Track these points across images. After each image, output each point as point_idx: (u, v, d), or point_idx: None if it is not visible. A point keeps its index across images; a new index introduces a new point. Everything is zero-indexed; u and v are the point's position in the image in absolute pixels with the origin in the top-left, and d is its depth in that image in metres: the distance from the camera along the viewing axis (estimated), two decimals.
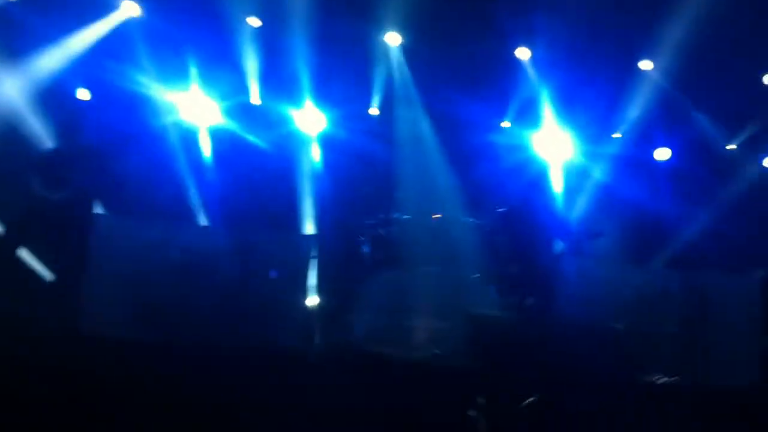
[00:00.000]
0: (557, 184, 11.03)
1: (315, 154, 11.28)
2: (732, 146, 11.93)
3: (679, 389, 8.02)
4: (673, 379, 8.15)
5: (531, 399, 7.37)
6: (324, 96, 11.43)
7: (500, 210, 9.25)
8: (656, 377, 8.10)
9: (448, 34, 11.51)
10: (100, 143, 8.25)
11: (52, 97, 10.05)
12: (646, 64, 11.84)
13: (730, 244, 10.63)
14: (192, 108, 10.91)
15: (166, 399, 6.83)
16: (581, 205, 10.98)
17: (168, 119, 10.72)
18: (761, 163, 11.84)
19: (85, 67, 10.45)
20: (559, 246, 9.11)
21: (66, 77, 10.38)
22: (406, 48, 11.70)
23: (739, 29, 10.93)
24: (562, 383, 7.55)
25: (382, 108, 11.78)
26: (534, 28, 11.39)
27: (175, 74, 10.87)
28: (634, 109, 11.78)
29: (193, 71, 10.92)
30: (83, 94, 10.68)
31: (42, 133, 9.51)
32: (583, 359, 8.00)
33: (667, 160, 11.99)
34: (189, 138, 10.83)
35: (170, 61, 10.80)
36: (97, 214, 8.20)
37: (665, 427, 7.31)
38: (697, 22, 10.58)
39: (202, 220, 10.15)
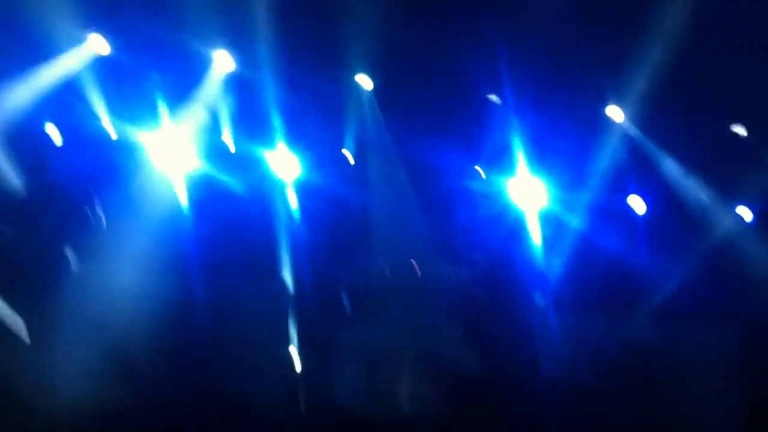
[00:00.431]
0: (534, 234, 10.99)
1: (291, 199, 11.13)
2: (706, 197, 12.02)
3: None
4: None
5: None
6: (297, 138, 11.32)
7: (478, 260, 9.19)
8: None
9: (419, 78, 11.52)
10: (71, 186, 8.00)
11: (20, 135, 9.79)
12: (614, 111, 11.92)
13: (707, 297, 10.65)
14: (163, 150, 10.69)
15: None
16: (558, 255, 10.94)
17: (139, 162, 10.49)
18: (737, 215, 11.94)
19: (53, 104, 10.23)
20: (537, 298, 9.07)
21: (32, 115, 10.13)
22: (377, 91, 11.66)
23: (709, 76, 11.09)
24: None
25: (355, 152, 11.70)
26: (504, 72, 11.46)
27: (144, 114, 10.67)
28: (607, 158, 11.83)
29: (164, 112, 10.74)
30: (51, 132, 10.41)
31: (10, 173, 9.23)
32: (563, 413, 7.93)
33: (642, 210, 12.04)
34: (162, 181, 10.59)
35: (138, 100, 10.61)
36: (69, 261, 7.92)
37: None
38: (666, 69, 10.70)
39: (177, 269, 9.91)
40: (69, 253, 7.99)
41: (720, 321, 9.91)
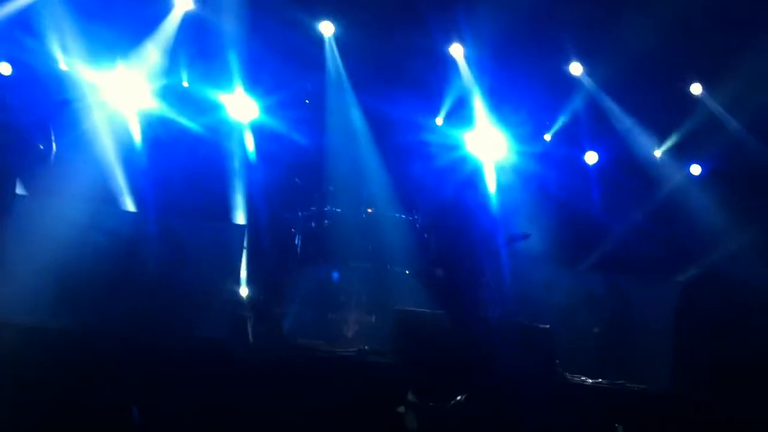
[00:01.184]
0: (490, 184, 11.10)
1: (248, 142, 11.09)
2: (658, 152, 12.23)
3: (599, 390, 8.15)
4: (598, 381, 8.28)
5: (459, 397, 7.39)
6: (255, 83, 11.24)
7: (432, 207, 9.27)
8: (582, 378, 8.21)
9: (382, 27, 11.47)
10: (22, 121, 7.89)
11: None
12: (575, 67, 12.03)
13: (653, 249, 10.88)
14: (118, 89, 10.58)
15: (80, 389, 6.61)
16: (512, 205, 11.07)
17: (93, 99, 10.37)
18: (687, 170, 12.16)
19: (6, 41, 10.04)
20: (488, 245, 9.16)
21: None
22: (338, 38, 11.60)
23: (668, 37, 11.19)
24: (490, 381, 7.59)
25: (314, 98, 11.67)
26: (466, 25, 11.46)
27: (100, 53, 10.52)
28: (564, 111, 11.95)
29: (119, 50, 10.60)
30: (4, 68, 10.24)
31: None
32: (510, 358, 8.05)
33: (596, 163, 12.21)
34: (117, 119, 10.50)
35: (96, 39, 10.45)
36: (19, 194, 7.85)
37: (588, 426, 7.43)
38: (628, 28, 10.78)
39: (129, 205, 9.87)
40: (19, 184, 7.87)
41: (663, 273, 10.14)
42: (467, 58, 11.81)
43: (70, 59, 10.41)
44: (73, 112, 9.95)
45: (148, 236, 8.30)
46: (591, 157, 12.28)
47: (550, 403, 7.42)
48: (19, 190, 7.93)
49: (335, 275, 9.34)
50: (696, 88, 12.13)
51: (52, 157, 7.70)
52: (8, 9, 10.02)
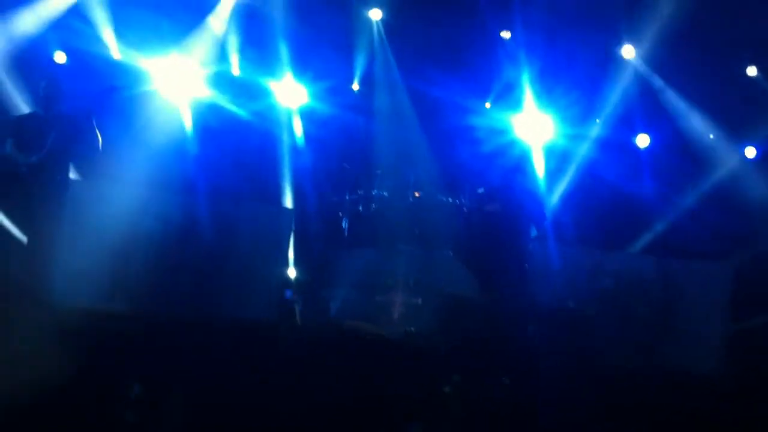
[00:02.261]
0: (538, 168, 11.04)
1: (296, 127, 11.19)
2: (712, 135, 12.02)
3: (648, 373, 8.09)
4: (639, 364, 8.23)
5: (504, 379, 7.40)
6: (304, 69, 11.34)
7: (479, 191, 9.24)
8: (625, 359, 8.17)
9: (430, 12, 11.46)
10: (76, 108, 8.08)
11: (29, 60, 9.88)
12: (628, 50, 11.89)
13: (705, 232, 10.71)
14: (171, 77, 10.76)
15: (138, 371, 6.76)
16: (561, 189, 11.00)
17: (147, 87, 10.57)
18: (742, 153, 11.94)
19: (62, 31, 10.27)
20: (536, 229, 9.13)
21: (42, 40, 10.19)
22: (387, 24, 11.63)
23: (724, 19, 10.99)
24: (534, 365, 7.59)
25: (362, 83, 11.73)
26: (516, 8, 11.39)
27: (153, 41, 10.70)
28: (615, 94, 11.81)
29: (172, 38, 10.77)
30: (60, 57, 10.50)
31: (18, 97, 9.36)
32: (555, 342, 8.04)
33: (647, 147, 12.05)
34: (168, 107, 10.68)
35: (149, 28, 10.62)
36: (72, 179, 8.04)
37: (633, 410, 7.38)
38: (682, 10, 10.61)
39: (180, 190, 10.06)
40: (72, 169, 8.06)
41: (715, 257, 9.97)
42: (516, 40, 11.74)
43: (123, 47, 10.61)
44: (125, 100, 10.17)
45: (198, 221, 8.43)
46: (642, 140, 12.11)
47: (590, 388, 7.40)
48: (73, 175, 8.12)
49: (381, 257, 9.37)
50: (751, 70, 11.90)
51: (100, 144, 7.83)
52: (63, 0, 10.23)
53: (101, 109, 8.02)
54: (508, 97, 11.84)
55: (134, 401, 6.37)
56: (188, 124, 10.71)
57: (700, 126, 11.87)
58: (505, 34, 11.87)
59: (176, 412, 6.55)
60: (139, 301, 7.47)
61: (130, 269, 7.89)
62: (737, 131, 11.89)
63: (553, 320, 8.34)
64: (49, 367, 5.88)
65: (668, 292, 9.33)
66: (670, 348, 8.96)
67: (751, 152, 12.05)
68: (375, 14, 11.60)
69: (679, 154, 11.80)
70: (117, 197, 8.37)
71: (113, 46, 10.57)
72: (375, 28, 11.65)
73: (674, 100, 11.95)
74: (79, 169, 8.48)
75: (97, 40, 10.49)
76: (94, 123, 7.72)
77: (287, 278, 8.87)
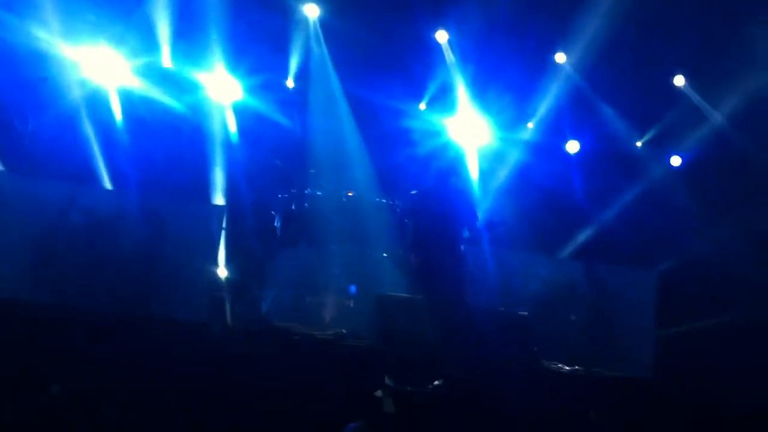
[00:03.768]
0: (472, 170, 11.10)
1: (229, 122, 11.00)
2: (639, 143, 12.27)
3: (579, 377, 8.20)
4: (575, 368, 8.32)
5: (437, 382, 7.40)
6: (238, 63, 11.15)
7: (413, 192, 9.24)
8: (559, 366, 8.25)
9: (365, 12, 11.42)
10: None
11: None
12: (560, 57, 12.05)
13: (632, 239, 10.93)
14: (99, 66, 10.45)
15: (58, 365, 6.56)
16: (493, 191, 11.09)
17: (73, 77, 10.25)
18: (668, 162, 12.22)
19: None
20: (468, 231, 9.16)
21: None
22: (323, 21, 11.53)
23: (652, 29, 11.22)
24: (468, 367, 7.60)
25: (297, 80, 11.60)
26: (451, 11, 11.44)
27: (80, 29, 10.39)
28: (547, 100, 11.96)
29: (101, 28, 10.47)
30: None
31: None
32: (489, 344, 8.07)
33: (577, 152, 12.23)
34: (97, 98, 10.38)
35: (75, 15, 10.31)
36: None
37: (563, 413, 7.47)
38: (611, 19, 10.80)
39: (108, 184, 9.77)
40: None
41: (641, 263, 10.18)
42: (451, 43, 11.78)
43: (50, 36, 10.26)
44: (52, 90, 9.85)
45: (126, 215, 8.22)
46: (573, 146, 12.29)
47: (527, 389, 7.45)
48: None
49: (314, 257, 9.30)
50: (679, 80, 12.18)
51: (28, 134, 7.60)
52: None
53: (30, 100, 7.78)
54: (443, 99, 11.89)
55: (53, 396, 6.20)
56: (117, 115, 10.43)
57: (627, 133, 12.12)
58: (441, 37, 11.90)
59: (98, 408, 6.38)
60: (62, 294, 7.24)
61: (53, 262, 7.63)
62: (663, 140, 12.17)
63: (485, 321, 8.36)
64: None
65: (597, 297, 9.48)
66: (599, 352, 9.10)
67: (676, 161, 12.34)
68: (311, 11, 11.48)
69: (608, 161, 12.01)
70: (41, 190, 8.11)
71: (41, 36, 10.22)
72: (311, 25, 11.54)
73: (603, 108, 12.15)
74: (2, 159, 8.20)
75: (24, 29, 10.13)
76: (27, 113, 7.49)
77: (217, 277, 8.71)
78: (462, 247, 9.00)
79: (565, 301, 9.46)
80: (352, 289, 9.14)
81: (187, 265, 8.28)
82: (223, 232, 8.93)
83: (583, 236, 11.27)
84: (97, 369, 6.53)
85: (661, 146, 12.19)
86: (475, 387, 7.34)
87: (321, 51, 11.46)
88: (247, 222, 9.23)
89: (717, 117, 11.88)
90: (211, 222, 8.85)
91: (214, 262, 8.65)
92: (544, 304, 9.35)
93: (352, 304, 8.92)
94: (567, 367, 8.18)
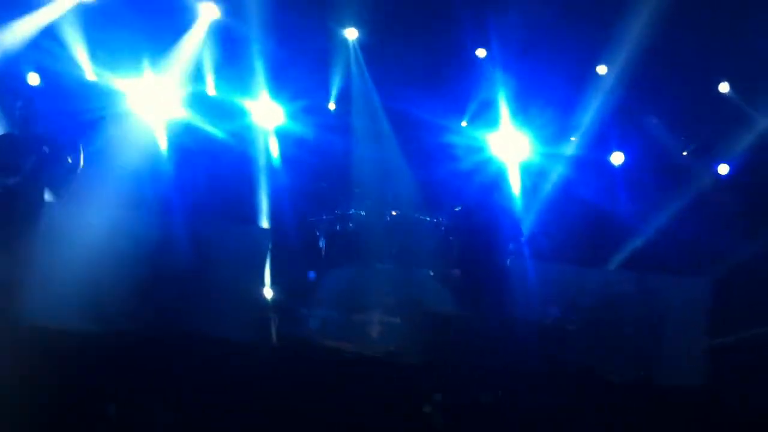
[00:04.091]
0: (514, 185, 11.08)
1: (273, 147, 11.17)
2: (685, 153, 12.12)
3: (633, 388, 8.07)
4: (628, 379, 8.21)
5: (487, 396, 7.37)
6: (280, 89, 11.33)
7: (456, 209, 9.28)
8: (613, 376, 8.15)
9: (405, 31, 11.53)
10: (51, 131, 8.06)
11: (3, 82, 9.82)
12: (602, 69, 11.98)
13: (681, 248, 10.77)
14: (145, 97, 10.70)
15: (111, 390, 6.67)
16: (537, 206, 11.04)
17: (122, 108, 10.51)
18: (714, 169, 12.05)
19: (35, 52, 10.21)
20: (513, 246, 9.15)
21: (14, 61, 10.14)
22: (363, 43, 11.67)
23: (696, 36, 11.13)
24: (517, 381, 7.56)
25: (339, 103, 11.74)
26: (492, 27, 11.48)
27: (127, 61, 10.66)
28: (590, 113, 11.89)
29: (146, 59, 10.73)
30: (33, 79, 10.43)
31: None
32: (536, 358, 8.02)
33: (622, 164, 12.13)
34: (143, 127, 10.61)
35: (123, 48, 10.59)
36: (48, 201, 7.97)
37: (618, 425, 7.37)
38: (653, 28, 10.74)
39: (154, 211, 9.97)
40: (48, 193, 8.00)
41: (693, 272, 10.02)
42: (492, 58, 11.81)
43: (97, 68, 10.55)
44: (102, 121, 10.12)
45: (172, 240, 8.36)
46: (617, 158, 12.19)
47: (577, 402, 7.37)
48: (48, 197, 8.05)
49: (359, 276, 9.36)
50: (724, 87, 12.03)
51: (80, 169, 7.83)
52: (37, 19, 10.18)
53: (86, 136, 8.03)
54: (485, 115, 11.90)
55: (109, 421, 6.30)
56: (163, 144, 10.66)
57: (673, 143, 11.98)
58: (481, 52, 11.94)
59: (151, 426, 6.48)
60: (111, 321, 7.38)
61: (100, 290, 7.78)
62: (710, 148, 12.01)
63: (533, 333, 8.32)
64: (22, 387, 5.79)
65: (649, 308, 9.34)
66: (654, 363, 8.96)
67: (723, 169, 12.15)
68: (351, 34, 11.64)
69: (653, 171, 11.88)
70: (88, 218, 8.29)
71: (87, 67, 10.51)
72: (351, 47, 11.69)
73: (647, 118, 12.05)
74: (53, 191, 8.41)
75: (71, 60, 10.43)
76: (80, 149, 7.71)
77: (264, 297, 8.81)
78: (507, 262, 9.02)
79: (616, 313, 9.34)
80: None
81: (234, 287, 8.38)
82: (269, 254, 9.04)
83: (631, 248, 11.13)
84: (148, 393, 6.62)
85: (708, 155, 12.03)
86: (523, 401, 7.29)
87: (361, 71, 11.59)
88: (292, 244, 9.36)
89: (764, 122, 11.70)
90: (256, 244, 8.97)
91: (261, 283, 8.77)
92: (595, 317, 9.25)
93: (398, 322, 8.94)
94: (620, 379, 8.07)
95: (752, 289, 9.74)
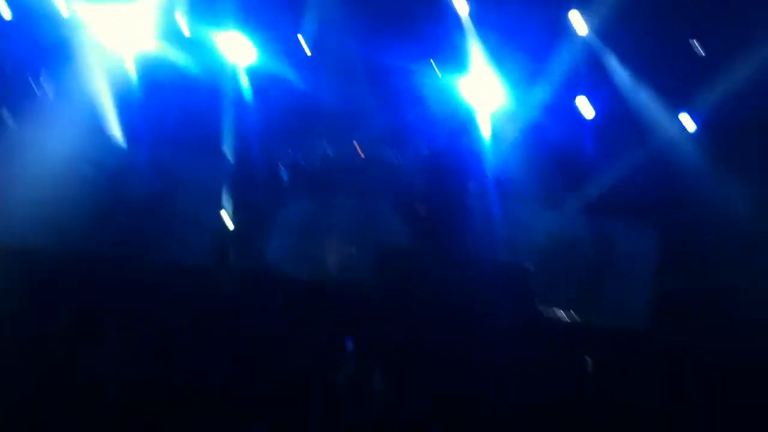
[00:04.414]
0: (483, 129, 11.13)
1: (243, 82, 11.17)
2: (654, 105, 12.18)
3: (579, 328, 8.28)
4: (574, 318, 8.40)
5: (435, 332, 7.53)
6: (253, 25, 11.29)
7: (423, 150, 9.37)
8: (558, 315, 8.34)
9: None
10: (18, 61, 8.04)
11: None
12: (576, 17, 11.98)
13: (638, 197, 10.89)
14: (114, 28, 10.64)
15: (64, 309, 6.78)
16: (504, 149, 11.12)
17: (89, 38, 10.45)
18: (682, 124, 12.13)
19: None
20: (476, 185, 9.27)
21: None
22: None
23: None
24: (468, 316, 7.73)
25: (311, 41, 11.71)
26: None
27: None
28: (562, 61, 11.92)
29: None
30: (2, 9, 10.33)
31: None
32: (490, 293, 8.18)
33: (590, 112, 12.19)
34: (111, 58, 10.57)
35: None
36: (7, 124, 8.00)
37: (560, 361, 7.57)
38: None
39: (119, 139, 9.99)
40: (9, 117, 8.02)
41: (647, 218, 10.19)
42: (464, 2, 11.79)
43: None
44: (69, 51, 10.06)
45: (135, 166, 8.42)
46: (585, 105, 12.25)
47: (524, 337, 7.56)
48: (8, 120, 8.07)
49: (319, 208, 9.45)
50: (696, 43, 12.06)
51: (46, 96, 7.84)
52: None
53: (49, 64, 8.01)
54: (455, 59, 11.91)
55: (64, 332, 6.43)
56: (131, 75, 10.63)
57: (643, 96, 12.03)
58: None
59: (106, 347, 6.61)
60: (70, 240, 7.46)
61: (61, 211, 7.85)
62: (679, 103, 12.08)
63: (488, 272, 8.46)
64: None
65: (601, 252, 9.52)
66: (599, 304, 9.17)
67: (690, 123, 12.23)
68: None
69: (621, 122, 11.96)
70: (51, 143, 8.32)
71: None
72: None
73: (619, 69, 12.08)
74: (14, 116, 8.43)
75: None
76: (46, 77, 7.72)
77: (222, 224, 8.90)
78: (468, 201, 9.15)
79: (571, 255, 9.52)
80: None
81: (194, 214, 8.47)
82: (230, 184, 9.11)
83: (591, 193, 11.26)
84: (100, 307, 6.74)
85: (676, 108, 12.10)
86: (473, 336, 7.47)
87: (333, 11, 11.56)
88: (254, 173, 9.41)
89: (734, 79, 11.76)
90: (219, 173, 9.04)
91: (220, 211, 8.84)
92: (547, 258, 9.42)
93: (355, 252, 9.06)
94: (565, 317, 8.27)
95: (704, 242, 9.94)
